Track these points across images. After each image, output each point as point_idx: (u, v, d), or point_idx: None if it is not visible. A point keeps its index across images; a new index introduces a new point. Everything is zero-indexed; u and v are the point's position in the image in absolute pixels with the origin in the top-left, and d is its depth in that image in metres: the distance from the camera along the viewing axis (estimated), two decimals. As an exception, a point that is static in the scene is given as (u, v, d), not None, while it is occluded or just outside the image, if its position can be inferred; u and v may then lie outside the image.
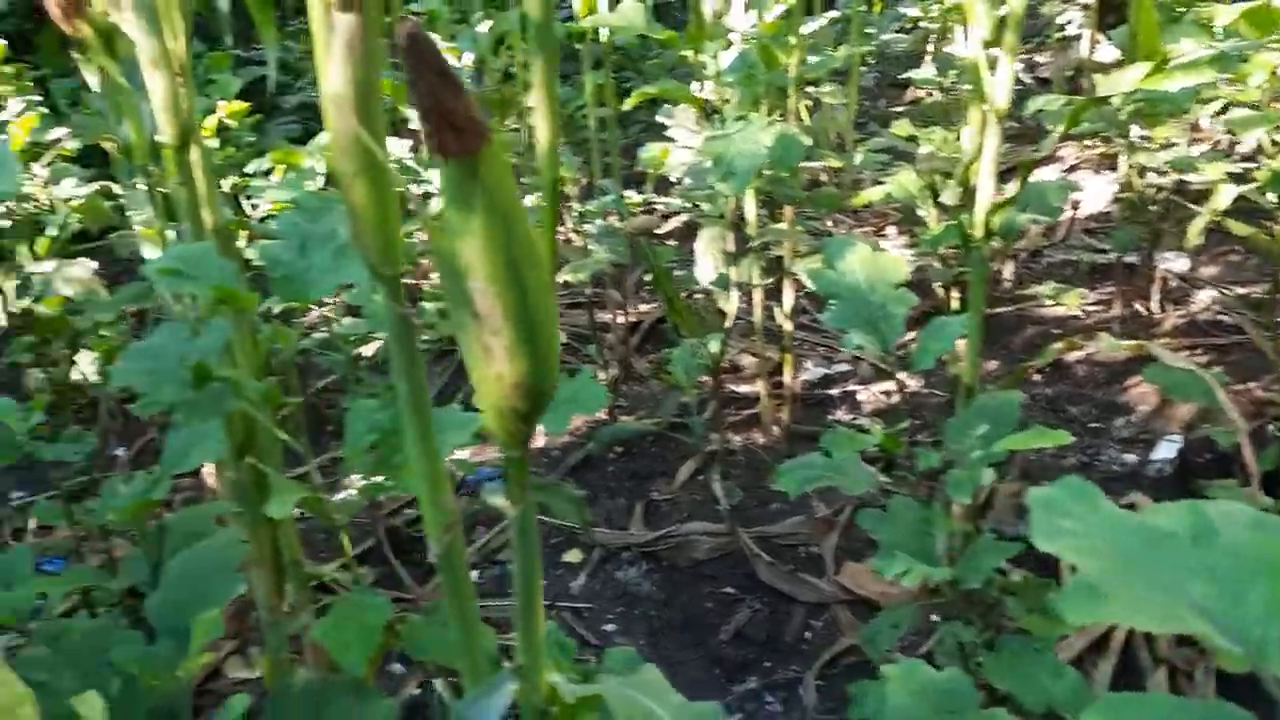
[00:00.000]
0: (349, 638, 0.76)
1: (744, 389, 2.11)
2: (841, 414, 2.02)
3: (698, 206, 1.57)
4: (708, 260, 1.49)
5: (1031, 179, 1.27)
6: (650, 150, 1.76)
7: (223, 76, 2.02)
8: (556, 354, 0.44)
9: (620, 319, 2.25)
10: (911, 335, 1.07)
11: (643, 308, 2.50)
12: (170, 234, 1.34)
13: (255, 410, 0.88)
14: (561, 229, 2.28)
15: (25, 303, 1.60)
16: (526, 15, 0.46)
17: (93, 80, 1.74)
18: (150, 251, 1.53)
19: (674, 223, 2.80)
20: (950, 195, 1.40)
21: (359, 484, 0.91)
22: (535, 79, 0.48)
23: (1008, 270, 2.35)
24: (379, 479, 0.87)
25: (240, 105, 1.94)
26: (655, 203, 2.24)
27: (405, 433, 0.53)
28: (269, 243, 0.87)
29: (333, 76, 0.45)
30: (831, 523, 1.68)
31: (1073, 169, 3.01)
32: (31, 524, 1.88)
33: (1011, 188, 1.21)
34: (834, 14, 2.47)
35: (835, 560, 1.60)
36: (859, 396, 2.07)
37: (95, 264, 1.68)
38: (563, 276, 1.80)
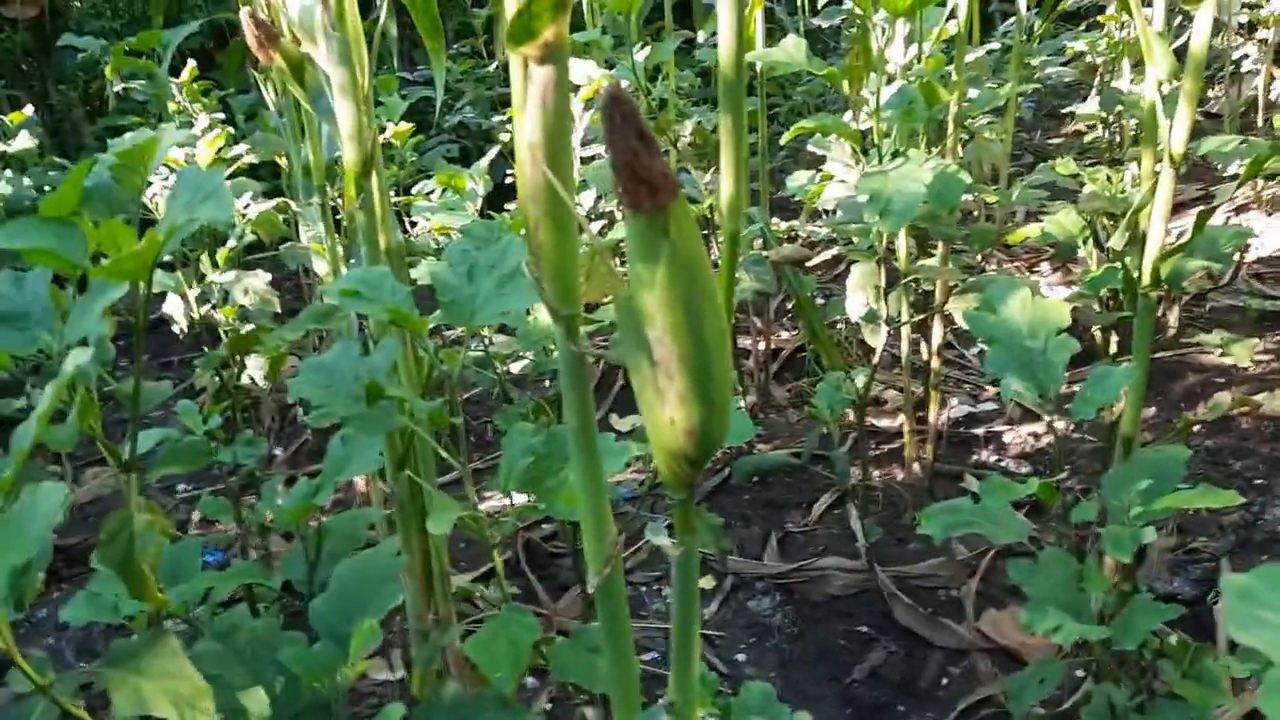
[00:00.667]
0: (499, 655, 0.79)
1: (885, 423, 2.08)
2: (986, 454, 1.97)
3: (850, 240, 1.56)
4: (859, 297, 1.48)
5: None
6: (797, 178, 1.75)
7: (391, 99, 2.11)
8: (729, 404, 0.44)
9: (760, 346, 2.25)
10: (1066, 373, 1.04)
11: (782, 335, 2.49)
12: (338, 249, 1.41)
13: (418, 428, 0.91)
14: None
15: (204, 310, 1.70)
16: (720, 73, 0.47)
17: (270, 99, 1.85)
18: (320, 265, 1.62)
19: (821, 251, 2.78)
20: (1117, 239, 1.36)
21: (509, 504, 0.94)
22: (722, 134, 0.50)
23: (1171, 316, 2.25)
24: (531, 500, 0.90)
25: (407, 127, 2.03)
26: (798, 232, 2.24)
27: (571, 465, 0.54)
28: (438, 268, 0.91)
29: (528, 125, 0.47)
30: (973, 567, 1.64)
31: (1241, 209, 2.87)
32: (195, 515, 2.00)
33: (1177, 227, 1.17)
34: (992, 46, 2.42)
35: (975, 606, 1.56)
36: (1005, 437, 2.01)
37: (268, 274, 1.78)
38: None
